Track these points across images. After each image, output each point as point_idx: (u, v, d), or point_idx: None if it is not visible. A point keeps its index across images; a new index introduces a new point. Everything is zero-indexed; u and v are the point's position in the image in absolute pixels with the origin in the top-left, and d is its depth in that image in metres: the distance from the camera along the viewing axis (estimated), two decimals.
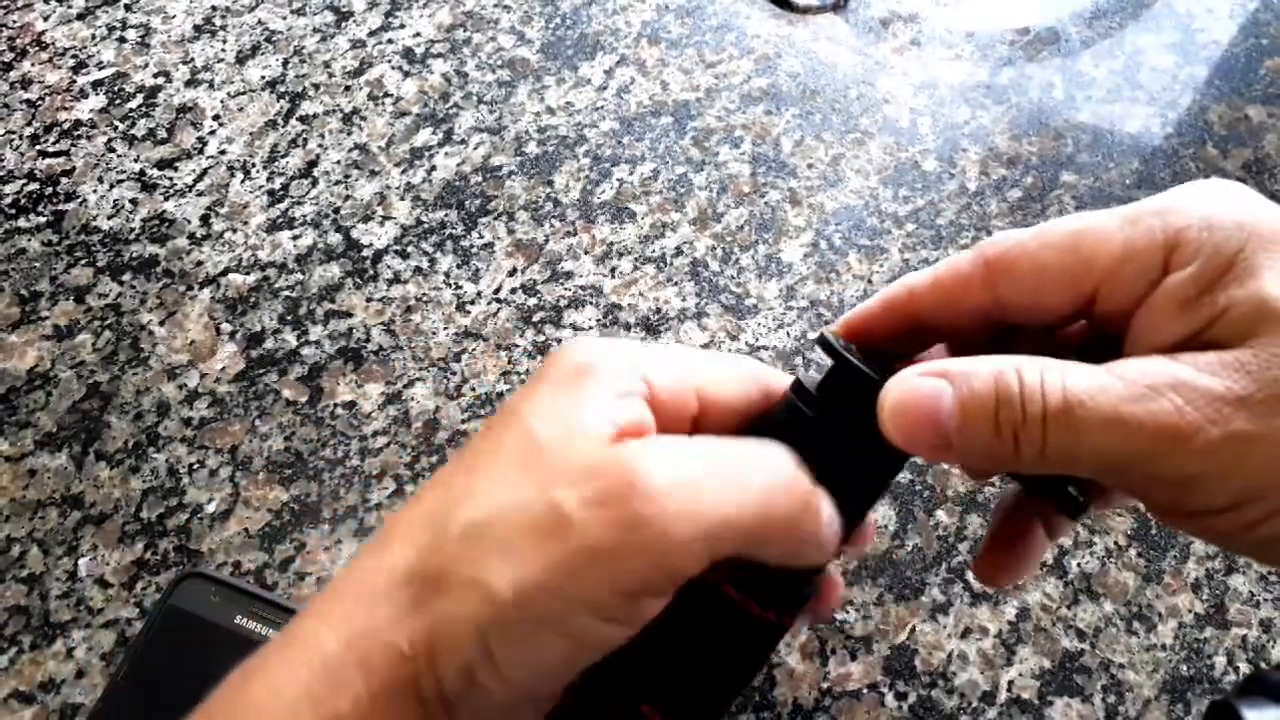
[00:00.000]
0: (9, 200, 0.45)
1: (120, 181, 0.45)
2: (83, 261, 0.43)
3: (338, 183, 0.45)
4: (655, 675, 0.20)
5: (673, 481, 0.17)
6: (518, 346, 0.41)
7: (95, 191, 0.45)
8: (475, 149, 0.46)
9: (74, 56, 0.49)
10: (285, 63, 0.49)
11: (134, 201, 0.45)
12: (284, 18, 0.51)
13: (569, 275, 0.43)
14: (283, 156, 0.46)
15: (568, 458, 0.17)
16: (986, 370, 0.17)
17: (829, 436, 0.19)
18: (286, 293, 0.42)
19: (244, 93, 0.48)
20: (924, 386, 0.18)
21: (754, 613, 0.20)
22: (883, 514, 0.37)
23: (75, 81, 0.48)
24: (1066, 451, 0.16)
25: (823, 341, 0.20)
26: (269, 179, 0.45)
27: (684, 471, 0.17)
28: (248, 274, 0.43)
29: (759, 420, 0.20)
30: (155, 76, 0.49)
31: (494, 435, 0.19)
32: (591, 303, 0.42)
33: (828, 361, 0.20)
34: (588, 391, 0.18)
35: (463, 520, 0.18)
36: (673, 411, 0.19)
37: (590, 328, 0.42)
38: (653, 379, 0.19)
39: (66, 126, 0.47)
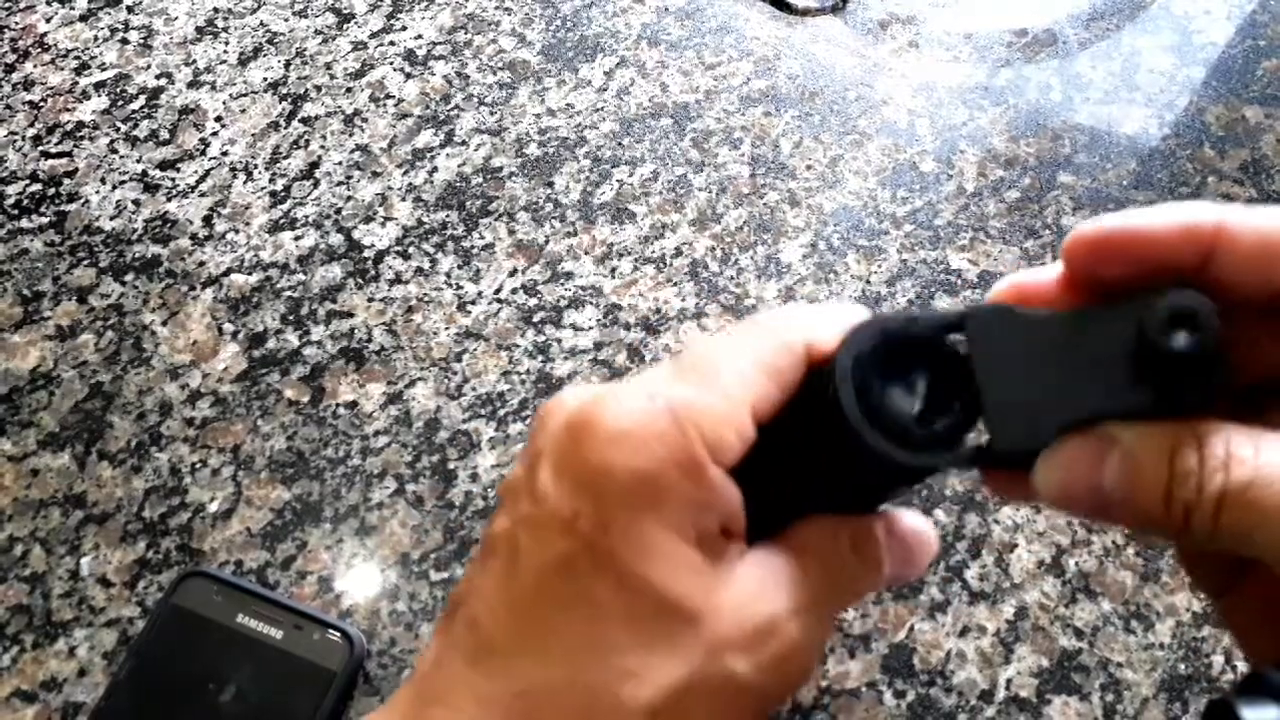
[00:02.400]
0: (12, 201, 0.45)
1: (122, 182, 0.46)
2: (85, 262, 0.43)
3: (339, 184, 0.46)
4: None
5: (795, 609, 0.18)
6: (518, 346, 0.41)
7: (97, 192, 0.45)
8: (476, 150, 0.47)
9: (76, 58, 0.49)
10: (287, 64, 0.49)
11: (136, 202, 0.45)
12: (286, 20, 0.51)
13: (569, 276, 0.43)
14: (285, 158, 0.46)
15: (703, 613, 0.17)
16: (1162, 440, 0.15)
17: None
18: (288, 293, 0.43)
19: (246, 94, 0.48)
20: (1087, 450, 0.16)
21: None
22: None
23: (77, 83, 0.49)
24: (1243, 535, 0.15)
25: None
26: (271, 180, 0.46)
27: (793, 594, 0.18)
28: (250, 274, 0.43)
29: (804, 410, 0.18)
30: (157, 78, 0.49)
31: (596, 589, 0.17)
32: (591, 303, 0.42)
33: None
34: (670, 518, 0.17)
35: (644, 706, 0.17)
36: (736, 459, 0.18)
37: (590, 328, 0.42)
38: (714, 449, 0.17)
39: (69, 127, 0.47)
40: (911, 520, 0.20)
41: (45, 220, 0.45)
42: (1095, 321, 0.16)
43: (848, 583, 0.19)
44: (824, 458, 0.18)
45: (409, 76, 0.49)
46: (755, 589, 0.18)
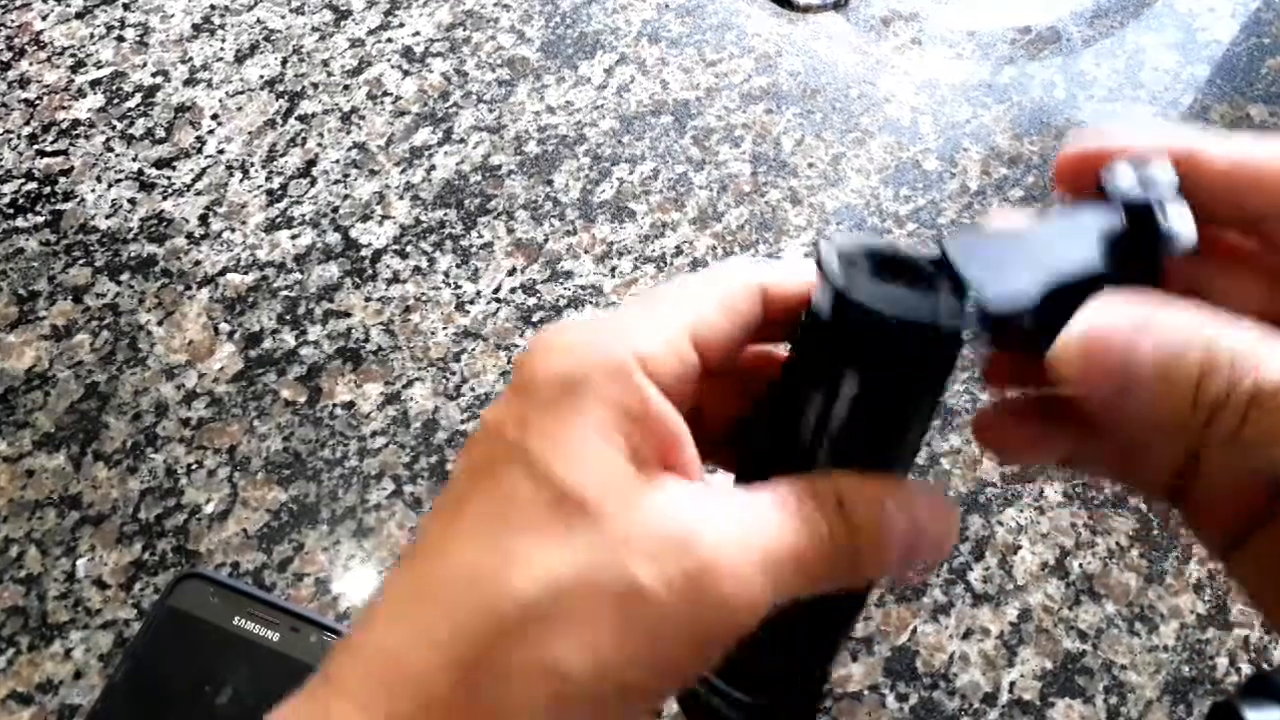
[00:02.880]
0: (7, 200, 0.45)
1: (118, 181, 0.45)
2: (81, 261, 0.43)
3: (336, 182, 0.45)
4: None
5: (728, 536, 0.16)
6: (517, 346, 0.41)
7: (93, 191, 0.45)
8: (475, 148, 0.46)
9: (72, 55, 0.49)
10: (284, 62, 0.49)
11: (132, 201, 0.45)
12: (283, 17, 0.50)
13: (569, 275, 0.43)
14: (281, 156, 0.46)
15: (608, 512, 0.16)
16: (1199, 332, 0.15)
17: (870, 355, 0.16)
18: (285, 292, 0.42)
19: (242, 92, 0.48)
20: (1122, 325, 0.15)
21: None
22: None
23: (73, 81, 0.48)
24: (1264, 444, 0.14)
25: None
26: (268, 178, 0.45)
27: (735, 521, 0.16)
28: (246, 274, 0.43)
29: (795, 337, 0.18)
30: (154, 76, 0.48)
31: (504, 479, 0.17)
32: (591, 302, 0.42)
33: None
34: (591, 416, 0.17)
35: (518, 594, 0.16)
36: (675, 382, 0.17)
37: None
38: (644, 357, 0.17)
39: (65, 126, 0.47)
40: (927, 492, 0.19)
41: (41, 219, 0.44)
42: (1064, 216, 0.17)
43: (819, 542, 0.16)
44: (823, 402, 0.17)
45: (407, 74, 0.48)
46: (686, 504, 0.16)
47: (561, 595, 0.16)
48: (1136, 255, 0.16)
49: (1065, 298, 0.16)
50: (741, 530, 0.16)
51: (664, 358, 0.17)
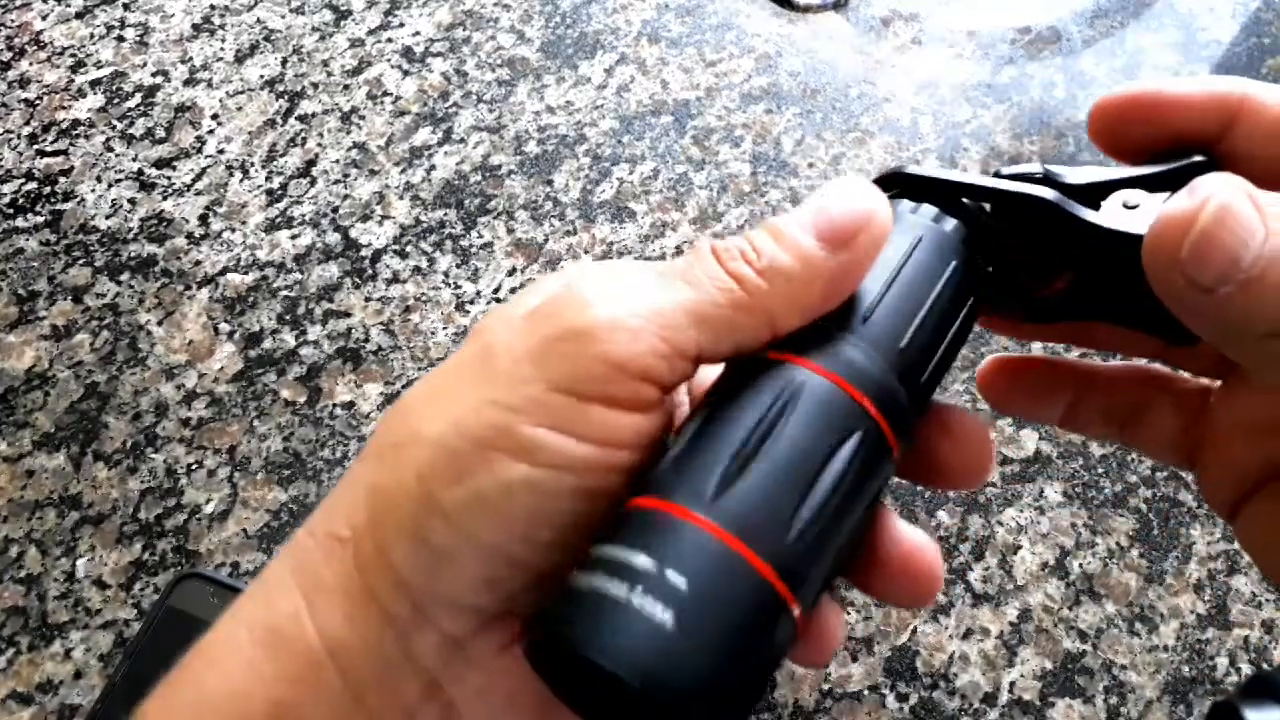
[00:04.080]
0: (7, 200, 0.45)
1: (118, 181, 0.45)
2: (80, 261, 0.43)
3: (336, 182, 0.45)
4: (662, 472, 0.15)
5: (595, 282, 0.15)
6: None
7: (93, 191, 0.45)
8: (475, 148, 0.46)
9: (72, 55, 0.49)
10: (284, 61, 0.49)
11: (132, 201, 0.45)
12: (283, 16, 0.50)
13: None
14: (281, 156, 0.46)
15: (495, 315, 0.16)
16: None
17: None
18: (285, 292, 0.42)
19: (242, 92, 0.48)
20: (1246, 214, 0.13)
21: (840, 389, 0.15)
22: None
23: (73, 80, 0.48)
24: None
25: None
26: (267, 178, 0.45)
27: (606, 277, 0.16)
28: (246, 273, 0.43)
29: None
30: (154, 75, 0.48)
31: (464, 351, 0.17)
32: None
33: None
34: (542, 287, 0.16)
35: (396, 406, 0.16)
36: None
37: None
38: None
39: (65, 126, 0.47)
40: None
41: (41, 219, 0.44)
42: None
43: (711, 295, 0.15)
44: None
45: (407, 74, 0.48)
46: (568, 290, 0.16)
47: (427, 386, 0.16)
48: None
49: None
50: (627, 298, 0.15)
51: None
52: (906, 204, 0.18)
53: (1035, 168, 0.17)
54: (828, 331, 0.16)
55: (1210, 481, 0.18)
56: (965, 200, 0.18)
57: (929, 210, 0.18)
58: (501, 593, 0.16)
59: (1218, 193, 0.14)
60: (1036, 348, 0.40)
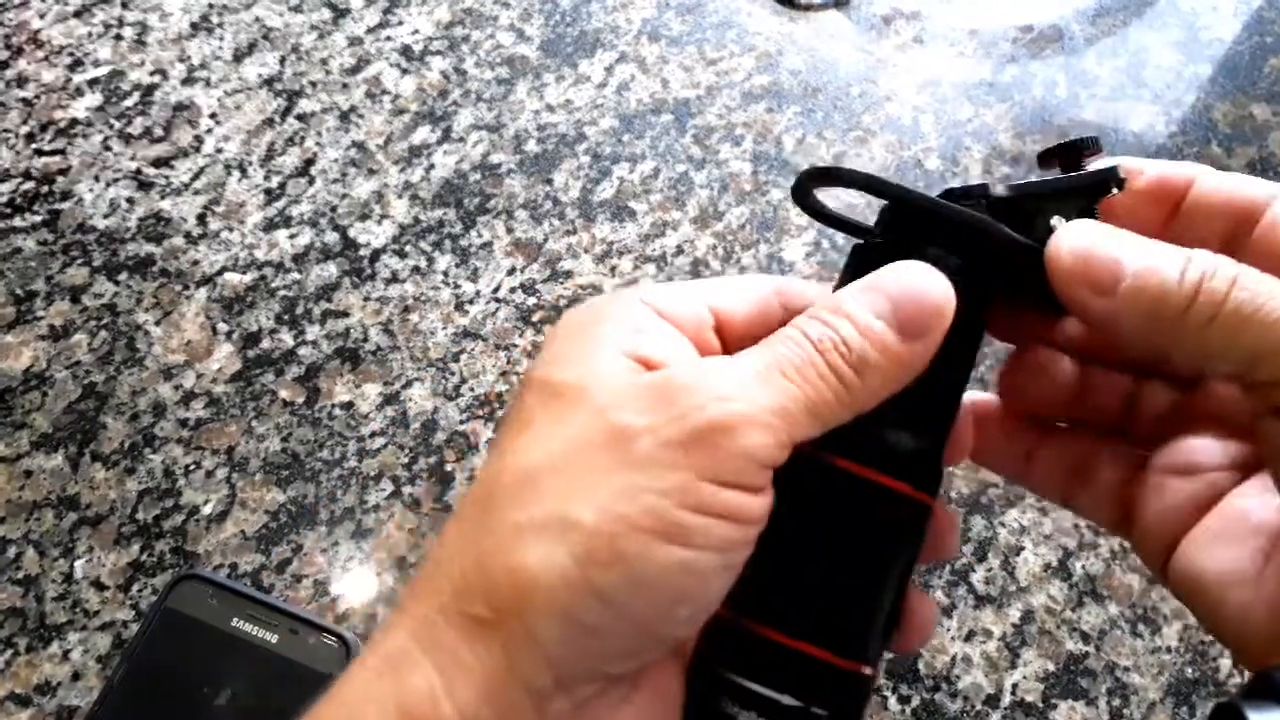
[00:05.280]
0: (4, 199, 0.45)
1: (116, 180, 0.45)
2: (78, 261, 0.43)
3: (335, 181, 0.45)
4: (762, 585, 0.17)
5: (715, 370, 0.17)
6: (517, 346, 0.41)
7: (91, 190, 0.45)
8: (474, 147, 0.46)
9: (70, 54, 0.49)
10: (282, 60, 0.49)
11: (130, 200, 0.45)
12: (281, 15, 0.50)
13: (569, 274, 0.43)
14: (280, 155, 0.46)
15: (599, 392, 0.17)
16: (1171, 244, 0.17)
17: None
18: (283, 292, 0.42)
19: (241, 90, 0.48)
20: (1106, 233, 0.17)
21: (880, 484, 0.18)
22: None
23: (71, 80, 0.48)
24: (1242, 323, 0.16)
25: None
26: (266, 177, 0.45)
27: (724, 364, 0.17)
28: (244, 273, 0.43)
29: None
30: (152, 74, 0.48)
31: (515, 405, 0.18)
32: None
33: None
34: (597, 337, 0.18)
35: (511, 473, 0.17)
36: (690, 331, 0.18)
37: None
38: (654, 303, 0.18)
39: (62, 125, 0.47)
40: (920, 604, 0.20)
41: (38, 219, 0.44)
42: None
43: (822, 392, 0.17)
44: None
45: (406, 72, 0.48)
46: (688, 371, 0.17)
47: (550, 460, 0.17)
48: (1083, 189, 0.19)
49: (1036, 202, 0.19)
50: (734, 364, 0.17)
51: (673, 304, 0.19)
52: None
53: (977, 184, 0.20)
54: (880, 422, 0.18)
55: (1143, 532, 0.20)
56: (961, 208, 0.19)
57: (939, 259, 0.19)
58: (637, 661, 0.17)
59: (1075, 230, 0.18)
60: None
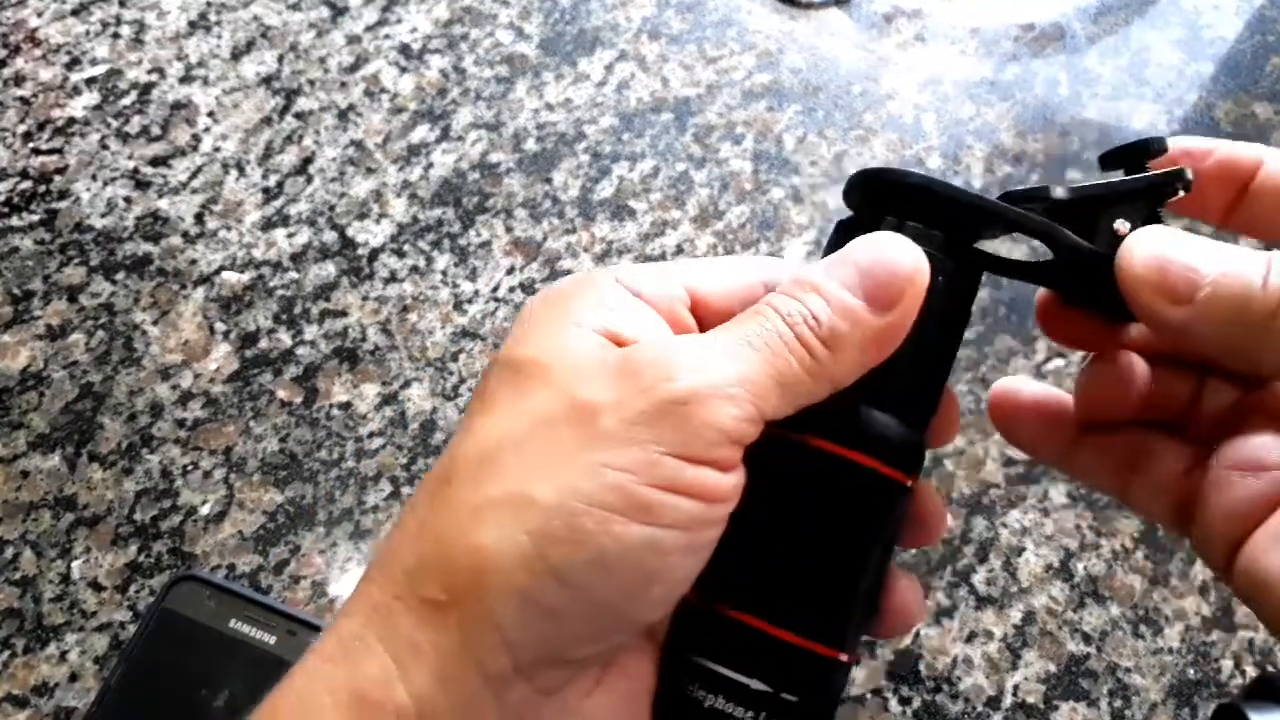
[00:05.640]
0: (1, 199, 0.44)
1: (113, 179, 0.45)
2: (75, 260, 0.43)
3: (333, 180, 0.45)
4: (731, 568, 0.17)
5: (683, 344, 0.16)
6: None
7: (88, 189, 0.45)
8: (473, 146, 0.46)
9: (67, 53, 0.49)
10: (280, 59, 0.48)
11: (127, 199, 0.44)
12: (279, 13, 0.50)
13: (568, 274, 0.42)
14: (278, 153, 0.46)
15: (564, 368, 0.16)
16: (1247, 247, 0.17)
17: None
18: (281, 292, 0.42)
19: (238, 89, 0.47)
20: (1181, 237, 0.17)
21: (854, 461, 0.17)
22: None
23: (68, 78, 0.48)
24: None
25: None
26: (264, 176, 0.45)
27: (692, 339, 0.17)
28: (242, 273, 0.42)
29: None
30: (149, 73, 0.48)
31: (481, 386, 0.18)
32: None
33: None
34: (565, 314, 0.17)
35: (469, 452, 0.16)
36: (664, 311, 0.18)
37: None
38: (628, 282, 0.18)
39: (60, 124, 0.47)
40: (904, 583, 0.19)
41: (35, 218, 0.44)
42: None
43: (792, 367, 0.16)
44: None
45: (404, 71, 0.48)
46: (657, 348, 0.16)
47: (510, 437, 0.16)
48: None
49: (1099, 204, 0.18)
50: (704, 340, 0.17)
51: (648, 283, 0.18)
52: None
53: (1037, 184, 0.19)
54: (855, 400, 0.17)
55: (1205, 529, 0.19)
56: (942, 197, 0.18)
57: (919, 234, 0.18)
58: (603, 645, 0.16)
59: (1148, 235, 0.17)
60: (1053, 367, 0.39)
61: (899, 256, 0.17)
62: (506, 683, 0.15)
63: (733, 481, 0.16)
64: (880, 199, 0.19)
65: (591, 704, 0.17)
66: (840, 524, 0.18)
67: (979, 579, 0.36)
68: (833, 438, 0.17)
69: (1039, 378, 0.40)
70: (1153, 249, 0.17)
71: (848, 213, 0.20)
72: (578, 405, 0.16)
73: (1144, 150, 0.19)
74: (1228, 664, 0.34)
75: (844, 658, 0.18)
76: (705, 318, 0.18)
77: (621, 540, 0.15)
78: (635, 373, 0.16)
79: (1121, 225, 0.18)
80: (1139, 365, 0.20)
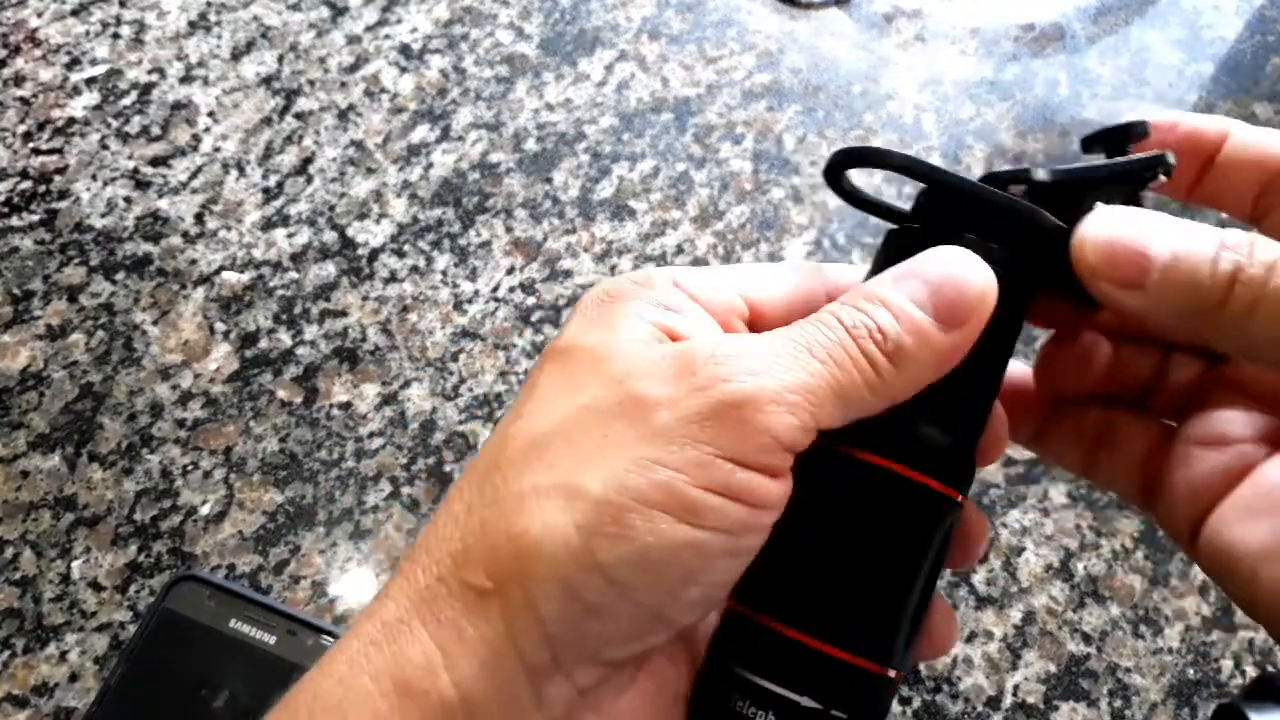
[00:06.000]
0: (1, 199, 0.44)
1: (114, 179, 0.45)
2: (75, 260, 0.43)
3: (333, 180, 0.45)
4: (781, 580, 0.17)
5: (742, 346, 0.16)
6: (516, 346, 0.41)
7: (88, 189, 0.45)
8: (473, 146, 0.46)
9: (67, 53, 0.49)
10: (280, 59, 0.48)
11: (127, 199, 0.44)
12: (279, 13, 0.50)
13: (568, 274, 0.42)
14: (278, 154, 0.46)
15: (619, 360, 0.16)
16: (1205, 226, 0.16)
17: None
18: (281, 292, 0.42)
19: (239, 89, 0.47)
20: (1135, 219, 0.17)
21: (910, 479, 0.17)
22: None
23: (69, 78, 0.48)
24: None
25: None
26: (264, 176, 0.45)
27: (751, 340, 0.16)
28: (242, 273, 0.42)
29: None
30: (149, 73, 0.48)
31: (534, 375, 0.18)
32: None
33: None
34: (623, 308, 0.17)
35: (519, 438, 0.16)
36: (719, 315, 0.18)
37: None
38: (686, 285, 0.18)
39: (60, 124, 0.47)
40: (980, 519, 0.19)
41: (36, 218, 0.44)
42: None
43: (852, 378, 0.16)
44: None
45: (404, 71, 0.48)
46: (713, 344, 0.16)
47: (562, 426, 0.16)
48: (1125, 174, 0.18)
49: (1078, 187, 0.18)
50: (761, 341, 0.16)
51: (705, 287, 0.18)
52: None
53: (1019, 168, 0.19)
54: (907, 415, 0.17)
55: (1169, 503, 0.19)
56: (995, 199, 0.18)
57: (982, 248, 0.18)
58: (640, 646, 0.16)
59: (1101, 219, 0.17)
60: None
61: (972, 275, 0.17)
62: (547, 677, 0.15)
63: (782, 489, 0.16)
64: (944, 210, 0.18)
65: (624, 704, 0.17)
66: (892, 539, 0.17)
67: (979, 579, 0.36)
68: (885, 453, 0.17)
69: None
70: (1102, 231, 0.17)
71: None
72: (632, 398, 0.16)
73: (1125, 134, 0.18)
74: (1228, 664, 0.34)
75: (893, 674, 0.17)
76: (760, 327, 0.18)
77: (667, 540, 0.15)
78: (692, 370, 0.16)
79: (1101, 209, 0.17)
80: (1099, 342, 0.20)
